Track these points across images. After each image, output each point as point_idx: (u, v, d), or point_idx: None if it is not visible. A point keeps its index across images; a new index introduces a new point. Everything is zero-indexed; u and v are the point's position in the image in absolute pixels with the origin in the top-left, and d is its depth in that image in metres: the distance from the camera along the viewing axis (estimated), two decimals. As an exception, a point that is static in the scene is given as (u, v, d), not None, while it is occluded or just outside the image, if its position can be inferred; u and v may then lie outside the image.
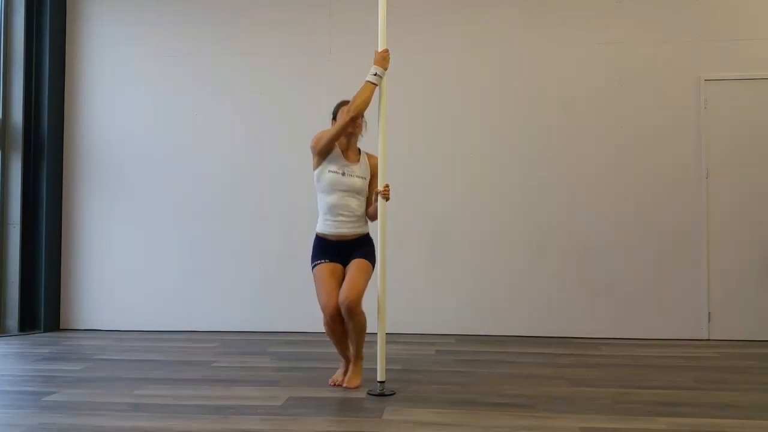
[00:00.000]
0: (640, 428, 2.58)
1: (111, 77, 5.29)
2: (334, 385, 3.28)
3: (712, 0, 4.81)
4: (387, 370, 3.18)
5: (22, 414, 2.80)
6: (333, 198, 3.26)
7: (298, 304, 5.01)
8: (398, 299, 4.42)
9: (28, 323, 5.07)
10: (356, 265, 3.23)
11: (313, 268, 3.31)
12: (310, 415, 2.75)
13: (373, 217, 3.29)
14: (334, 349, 4.35)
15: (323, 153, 3.26)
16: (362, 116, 3.27)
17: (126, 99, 5.26)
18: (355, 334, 3.20)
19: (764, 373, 3.65)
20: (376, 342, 3.17)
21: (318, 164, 3.30)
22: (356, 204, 3.28)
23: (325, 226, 3.30)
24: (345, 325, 3.17)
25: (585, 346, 4.40)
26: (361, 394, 3.11)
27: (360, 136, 3.36)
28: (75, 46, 5.33)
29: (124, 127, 5.25)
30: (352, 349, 3.28)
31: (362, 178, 3.29)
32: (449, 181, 4.95)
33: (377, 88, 3.18)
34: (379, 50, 3.19)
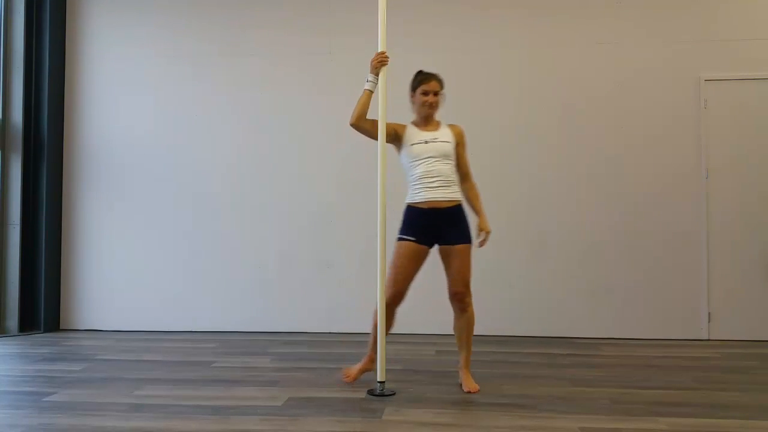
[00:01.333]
0: (641, 428, 2.58)
1: (111, 77, 5.29)
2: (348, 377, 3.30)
3: (711, 0, 4.81)
4: (387, 371, 3.18)
5: (22, 414, 2.79)
6: (422, 166, 3.18)
7: (299, 305, 5.01)
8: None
9: (28, 323, 5.07)
10: (461, 255, 3.20)
11: (398, 239, 3.22)
12: (310, 416, 2.75)
13: (466, 195, 3.31)
14: (332, 350, 4.35)
15: (390, 141, 3.26)
16: (440, 91, 3.26)
17: (126, 99, 5.26)
18: (466, 330, 3.25)
19: (764, 373, 3.65)
20: (376, 342, 3.16)
21: (398, 149, 3.30)
22: (447, 168, 3.20)
23: (415, 195, 3.20)
24: (456, 319, 3.29)
25: (585, 346, 4.40)
26: (362, 394, 3.11)
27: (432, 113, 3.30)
28: (75, 46, 5.33)
29: (124, 126, 5.25)
30: (463, 354, 3.26)
31: (447, 142, 3.23)
32: (449, 181, 4.94)
33: (376, 90, 3.21)
34: (378, 52, 3.21)
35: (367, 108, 3.21)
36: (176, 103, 5.22)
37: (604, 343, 4.53)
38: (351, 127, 3.24)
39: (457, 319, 3.29)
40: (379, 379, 3.12)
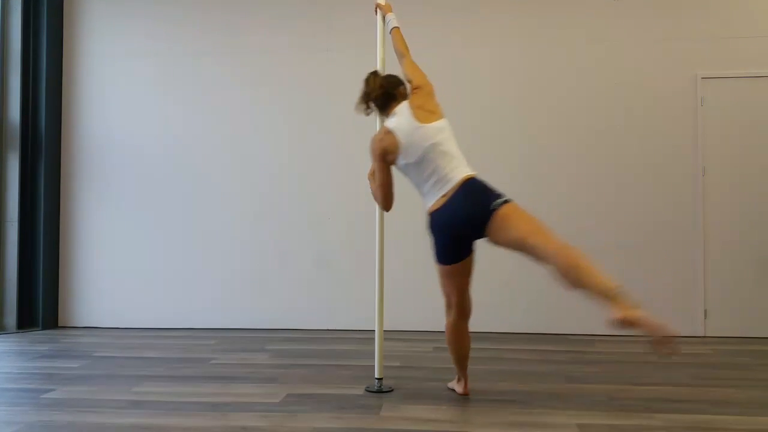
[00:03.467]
0: (637, 425, 2.59)
1: (108, 75, 5.28)
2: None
3: (709, -2, 4.83)
4: (385, 367, 3.19)
5: (20, 411, 2.80)
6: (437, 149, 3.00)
7: (297, 302, 5.02)
8: (396, 296, 4.42)
9: (27, 321, 5.07)
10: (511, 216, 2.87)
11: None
12: (308, 412, 2.76)
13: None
14: (330, 347, 4.36)
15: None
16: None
17: (123, 97, 5.26)
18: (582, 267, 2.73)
19: (760, 369, 3.66)
20: (373, 339, 3.18)
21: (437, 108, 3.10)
22: (451, 150, 3.01)
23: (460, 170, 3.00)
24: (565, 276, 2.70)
25: (581, 343, 4.42)
26: (359, 390, 3.12)
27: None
28: (72, 45, 5.32)
29: (122, 125, 5.25)
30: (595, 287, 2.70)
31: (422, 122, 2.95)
32: (447, 178, 4.95)
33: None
34: (381, 2, 3.25)
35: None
36: (174, 101, 5.22)
37: (600, 339, 4.55)
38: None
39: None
40: (376, 376, 3.14)
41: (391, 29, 3.22)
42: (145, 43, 5.26)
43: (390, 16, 3.23)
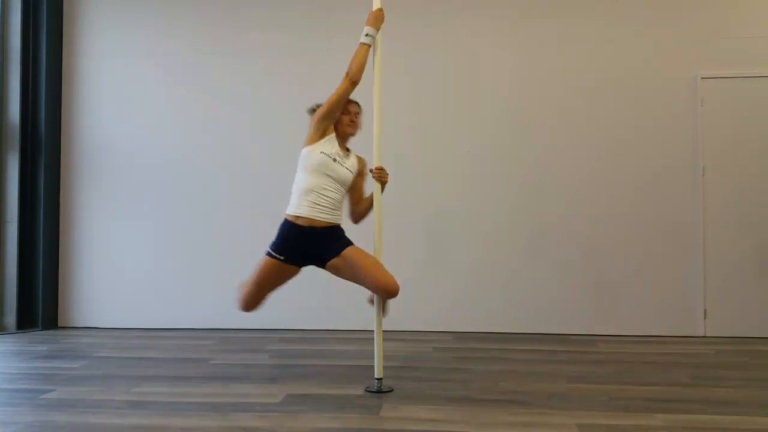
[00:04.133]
0: (637, 425, 2.59)
1: (108, 75, 5.28)
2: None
3: (708, -2, 4.83)
4: (384, 367, 3.19)
5: (19, 412, 2.80)
6: (317, 180, 3.14)
7: (297, 302, 5.01)
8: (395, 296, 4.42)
9: (26, 321, 5.07)
10: (355, 254, 3.12)
11: (267, 254, 3.23)
12: (308, 412, 2.76)
13: (358, 219, 3.31)
14: (329, 347, 4.36)
15: (328, 118, 3.15)
16: (359, 114, 3.27)
17: (123, 97, 5.26)
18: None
19: (760, 369, 3.66)
20: (373, 339, 3.17)
21: (314, 140, 3.16)
22: (338, 197, 3.19)
23: (300, 207, 3.18)
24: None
25: (582, 343, 4.41)
26: (359, 390, 3.12)
27: (352, 136, 3.30)
28: (72, 44, 5.32)
29: (122, 124, 5.25)
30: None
31: (351, 171, 3.22)
32: (445, 177, 4.95)
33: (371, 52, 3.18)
34: (374, 9, 3.18)
35: (366, 61, 3.15)
36: (173, 102, 5.21)
37: (601, 339, 4.55)
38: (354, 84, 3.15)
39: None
40: (376, 376, 3.13)
41: (360, 42, 3.15)
42: (145, 43, 5.26)
43: (367, 29, 3.15)
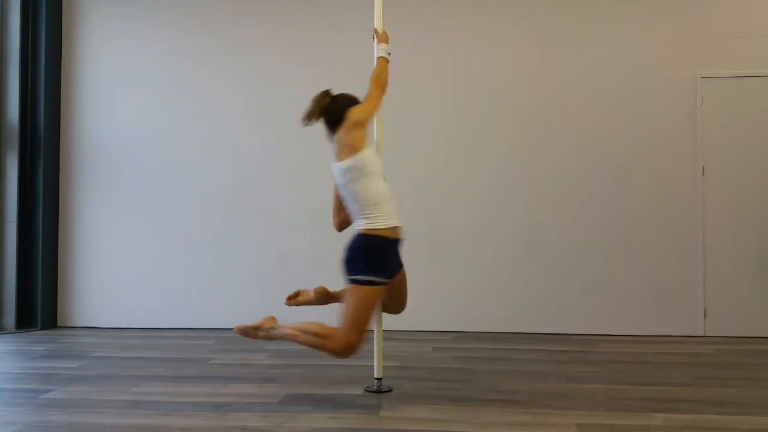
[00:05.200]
0: (637, 424, 2.59)
1: (108, 74, 5.28)
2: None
3: (708, -3, 4.83)
4: (384, 367, 3.19)
5: (19, 412, 2.80)
6: (384, 184, 2.88)
7: (296, 302, 5.01)
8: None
9: (25, 321, 5.07)
10: (404, 278, 3.01)
11: (363, 283, 2.73)
12: (307, 412, 2.76)
13: (345, 227, 3.12)
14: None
15: (366, 125, 2.90)
16: None
17: (123, 96, 5.26)
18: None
19: (759, 369, 3.66)
20: (372, 339, 3.17)
21: (363, 144, 2.83)
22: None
23: (392, 217, 2.84)
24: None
25: (581, 343, 4.41)
26: (359, 390, 3.12)
27: None
28: (71, 43, 5.32)
29: (122, 124, 5.24)
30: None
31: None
32: (447, 178, 4.95)
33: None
34: (379, 30, 3.18)
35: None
36: (174, 100, 5.21)
37: (600, 339, 4.55)
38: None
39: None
40: (376, 376, 3.13)
41: (378, 57, 3.12)
42: (145, 43, 5.25)
43: (382, 46, 3.13)
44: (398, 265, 2.96)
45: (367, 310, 2.73)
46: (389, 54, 3.16)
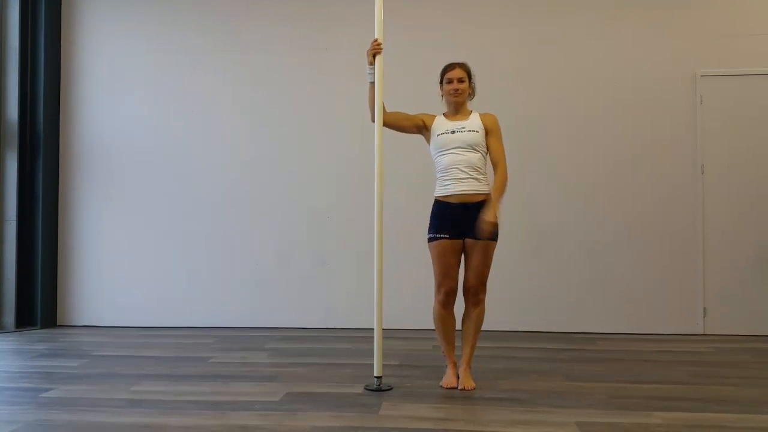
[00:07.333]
0: (637, 423, 2.59)
1: (107, 72, 5.28)
2: (449, 387, 3.15)
3: (708, -5, 4.82)
4: (384, 366, 3.18)
5: (19, 411, 2.79)
6: (449, 157, 3.11)
7: (296, 301, 5.02)
8: (395, 294, 4.43)
9: (25, 320, 5.07)
10: (483, 250, 3.11)
11: (430, 240, 3.15)
12: (307, 411, 2.76)
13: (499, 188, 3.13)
14: (329, 345, 4.34)
15: (418, 132, 3.26)
16: (468, 79, 3.27)
17: (122, 95, 5.25)
18: (474, 326, 3.21)
19: (759, 367, 3.66)
20: (372, 337, 3.17)
21: (428, 140, 3.25)
22: (476, 158, 3.11)
23: (444, 188, 3.12)
24: (465, 313, 3.24)
25: (581, 341, 4.42)
26: (359, 389, 3.12)
27: (468, 99, 3.30)
28: (71, 42, 5.31)
29: (121, 123, 5.24)
30: (466, 350, 3.21)
31: (475, 131, 3.14)
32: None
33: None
34: (373, 41, 3.20)
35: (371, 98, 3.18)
36: (173, 99, 5.21)
37: (600, 338, 4.55)
38: (369, 123, 3.21)
39: (467, 314, 3.25)
40: (376, 375, 3.13)
41: (371, 83, 3.20)
42: (144, 42, 5.25)
43: (371, 68, 3.19)
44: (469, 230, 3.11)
45: (435, 262, 3.16)
46: (369, 74, 3.19)
